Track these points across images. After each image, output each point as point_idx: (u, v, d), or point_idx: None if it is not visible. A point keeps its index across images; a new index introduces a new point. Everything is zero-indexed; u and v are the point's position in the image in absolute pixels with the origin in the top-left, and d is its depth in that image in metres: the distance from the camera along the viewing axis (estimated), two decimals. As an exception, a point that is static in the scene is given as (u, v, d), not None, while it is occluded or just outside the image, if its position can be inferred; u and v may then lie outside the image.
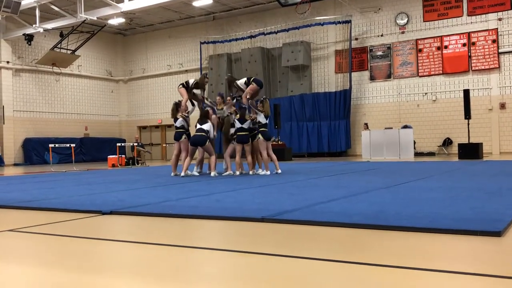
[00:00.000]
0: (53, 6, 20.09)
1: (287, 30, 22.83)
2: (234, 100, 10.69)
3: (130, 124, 28.56)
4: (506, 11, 19.17)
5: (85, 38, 22.35)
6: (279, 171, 10.19)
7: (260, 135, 10.14)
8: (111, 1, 19.55)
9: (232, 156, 10.70)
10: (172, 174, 10.49)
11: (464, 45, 19.86)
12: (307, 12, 19.54)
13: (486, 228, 3.29)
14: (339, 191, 6.18)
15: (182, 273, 2.60)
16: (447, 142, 20.07)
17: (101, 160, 23.79)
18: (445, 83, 20.28)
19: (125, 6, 19.20)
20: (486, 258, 2.75)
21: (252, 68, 23.02)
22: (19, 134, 23.21)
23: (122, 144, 19.89)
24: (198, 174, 10.49)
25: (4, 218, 4.95)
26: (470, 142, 16.54)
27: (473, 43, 19.68)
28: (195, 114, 10.93)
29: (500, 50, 19.27)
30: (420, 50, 20.70)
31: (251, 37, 23.88)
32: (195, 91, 10.69)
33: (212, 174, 10.07)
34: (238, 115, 10.13)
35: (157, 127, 28.04)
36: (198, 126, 10.04)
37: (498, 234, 3.18)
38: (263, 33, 23.55)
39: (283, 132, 21.83)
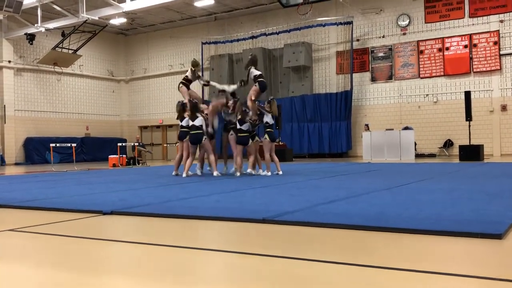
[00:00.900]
0: (55, 6, 20.13)
1: (289, 31, 22.83)
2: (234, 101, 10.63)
3: (131, 124, 28.57)
4: (508, 13, 19.16)
5: (86, 38, 22.37)
6: (280, 172, 10.19)
7: (266, 136, 10.14)
8: (112, 1, 19.57)
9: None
10: (174, 173, 10.50)
11: (465, 46, 19.85)
12: (309, 13, 19.55)
13: (487, 231, 3.29)
14: (340, 192, 6.18)
15: (183, 274, 2.60)
16: (448, 144, 20.06)
17: (102, 160, 23.80)
18: (447, 84, 20.27)
19: (127, 6, 19.22)
20: (487, 260, 2.75)
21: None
22: (20, 134, 23.23)
23: (123, 144, 19.91)
24: (200, 174, 10.48)
25: (5, 217, 4.96)
26: (471, 144, 16.53)
27: (475, 45, 19.67)
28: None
29: (501, 52, 19.26)
30: (422, 52, 20.70)
31: (252, 37, 23.88)
32: (198, 74, 10.88)
33: (215, 173, 10.06)
34: (239, 116, 10.12)
35: (158, 127, 28.05)
36: (190, 123, 10.01)
37: (499, 236, 3.18)
38: (265, 34, 23.56)
39: (284, 132, 21.82)
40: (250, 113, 10.08)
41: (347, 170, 11.62)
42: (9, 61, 22.87)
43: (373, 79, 21.73)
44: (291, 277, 2.48)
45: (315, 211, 4.47)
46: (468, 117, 16.32)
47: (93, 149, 25.37)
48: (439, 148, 20.24)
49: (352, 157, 21.56)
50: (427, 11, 20.63)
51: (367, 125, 20.54)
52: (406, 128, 19.10)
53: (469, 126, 16.72)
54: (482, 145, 16.52)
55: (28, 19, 21.35)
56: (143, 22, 25.90)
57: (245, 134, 10.05)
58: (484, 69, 19.51)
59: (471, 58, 19.78)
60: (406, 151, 18.05)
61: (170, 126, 26.60)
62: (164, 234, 3.82)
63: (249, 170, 10.16)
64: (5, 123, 22.61)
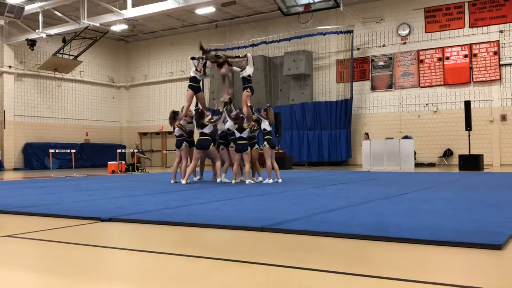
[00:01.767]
0: (56, 12, 20.19)
1: (289, 39, 22.90)
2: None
3: (131, 131, 28.58)
4: (508, 24, 19.24)
5: (87, 44, 22.43)
6: (280, 180, 10.17)
7: (265, 143, 10.14)
8: (114, 8, 19.63)
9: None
10: (172, 181, 10.47)
11: (465, 56, 19.90)
12: (309, 21, 19.61)
13: (486, 241, 3.28)
14: (340, 201, 6.16)
15: (180, 282, 2.59)
16: (448, 153, 20.06)
17: (101, 166, 23.78)
18: (446, 94, 20.31)
19: (128, 13, 19.28)
20: (486, 271, 2.73)
21: (254, 77, 22.75)
22: (19, 139, 23.23)
23: (123, 150, 19.90)
24: (197, 180, 10.47)
25: (3, 223, 4.94)
26: (470, 153, 16.53)
27: (475, 55, 19.73)
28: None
29: (501, 62, 19.31)
30: (422, 61, 20.75)
31: (253, 45, 23.95)
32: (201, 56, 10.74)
33: (218, 180, 10.06)
34: (236, 125, 10.09)
35: (157, 133, 28.06)
36: (200, 130, 10.06)
37: (498, 247, 3.17)
38: (265, 42, 23.62)
39: (283, 140, 21.82)
40: (245, 119, 10.10)
41: (347, 178, 11.60)
42: (10, 66, 22.91)
43: (373, 88, 21.77)
44: (289, 286, 2.47)
45: (314, 220, 4.45)
46: (468, 126, 16.33)
47: (93, 155, 25.36)
48: (439, 157, 20.24)
49: (351, 165, 21.55)
50: (427, 20, 20.71)
51: (367, 133, 20.55)
52: (405, 137, 19.10)
53: (469, 135, 16.72)
54: (482, 155, 16.52)
55: (30, 24, 21.41)
56: (144, 29, 25.97)
57: (244, 142, 10.04)
58: (484, 79, 19.55)
59: (471, 68, 19.83)
60: (406, 160, 18.05)
61: (170, 133, 26.57)
62: (162, 242, 3.81)
63: (248, 181, 9.93)
64: (4, 128, 22.61)
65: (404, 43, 21.15)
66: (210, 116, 10.27)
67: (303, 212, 4.98)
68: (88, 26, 20.10)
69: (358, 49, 21.96)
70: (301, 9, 18.81)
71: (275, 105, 22.95)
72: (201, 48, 10.86)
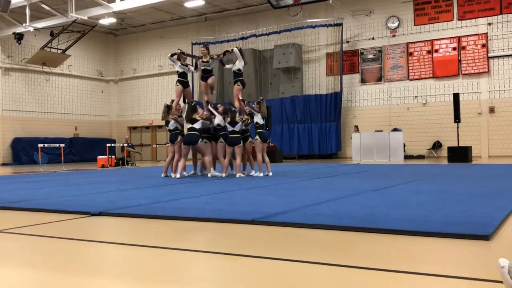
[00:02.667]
0: (43, 5, 19.96)
1: (279, 32, 22.85)
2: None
3: (120, 125, 28.43)
4: (496, 16, 19.34)
5: (75, 38, 22.23)
6: (270, 173, 10.19)
7: (257, 136, 10.14)
8: (102, 1, 19.45)
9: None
10: (163, 175, 10.45)
11: (454, 49, 20.00)
12: (299, 14, 19.57)
13: (474, 232, 3.31)
14: (329, 193, 6.19)
15: (171, 275, 2.59)
16: (437, 145, 20.19)
17: (90, 161, 23.65)
18: (435, 86, 20.41)
19: (117, 6, 19.11)
20: (474, 261, 2.77)
21: (244, 70, 22.89)
22: (8, 134, 23.02)
23: (112, 144, 19.80)
24: (187, 174, 10.45)
25: (-9, 218, 4.90)
26: (459, 145, 16.65)
27: (463, 47, 19.83)
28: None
29: (489, 55, 19.42)
30: (411, 54, 20.82)
31: (242, 38, 23.87)
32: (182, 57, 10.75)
33: (209, 174, 10.05)
34: (229, 119, 10.08)
35: (147, 127, 27.94)
36: (189, 125, 9.96)
37: (486, 238, 3.21)
38: (255, 35, 23.56)
39: (274, 134, 21.83)
40: (237, 112, 10.11)
41: (337, 171, 11.65)
42: (-3, 61, 22.66)
43: (363, 81, 21.82)
44: (279, 278, 2.48)
45: (304, 212, 4.47)
46: (457, 119, 16.44)
47: (82, 149, 25.20)
48: (428, 149, 20.36)
49: (341, 158, 21.63)
50: (417, 13, 20.76)
51: (356, 126, 20.62)
52: (395, 130, 19.18)
53: (458, 128, 16.84)
54: (470, 147, 16.65)
55: (16, 18, 21.16)
56: (133, 22, 25.79)
57: (236, 135, 10.03)
58: (473, 71, 19.66)
59: (459, 61, 19.93)
60: (395, 152, 18.14)
61: (160, 126, 26.49)
62: (152, 236, 3.80)
63: (238, 175, 9.97)
64: (-8, 123, 22.41)
65: (393, 36, 21.20)
66: (202, 112, 10.23)
67: (293, 205, 5.00)
68: (76, 20, 19.90)
69: (347, 42, 21.98)
70: (290, 1, 18.76)
71: (265, 98, 22.86)
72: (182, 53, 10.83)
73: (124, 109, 28.45)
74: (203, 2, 21.60)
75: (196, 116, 9.90)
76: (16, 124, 23.34)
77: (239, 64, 10.59)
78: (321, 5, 21.59)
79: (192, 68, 11.23)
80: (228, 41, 24.15)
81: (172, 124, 10.21)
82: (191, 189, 7.34)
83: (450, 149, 16.24)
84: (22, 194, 6.88)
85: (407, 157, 19.64)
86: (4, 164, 22.34)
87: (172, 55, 10.72)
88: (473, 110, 19.61)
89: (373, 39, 21.55)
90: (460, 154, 15.79)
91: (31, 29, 20.89)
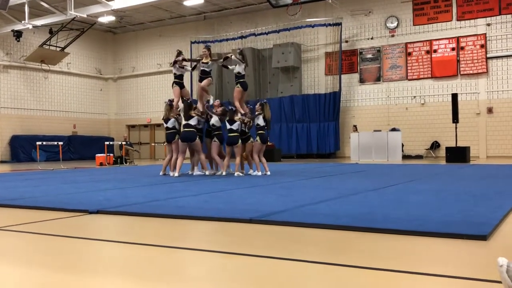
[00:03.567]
0: (42, 3, 19.92)
1: (278, 31, 22.84)
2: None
3: (119, 123, 28.40)
4: (495, 17, 19.35)
5: (74, 36, 22.19)
6: (268, 172, 10.20)
7: (258, 138, 10.15)
8: (101, -1, 19.41)
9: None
10: (161, 173, 10.45)
11: (453, 49, 20.01)
12: (298, 13, 19.58)
13: (472, 232, 3.32)
14: (328, 192, 6.19)
15: (169, 274, 2.59)
16: (435, 146, 20.21)
17: (89, 159, 23.62)
18: (434, 87, 20.42)
19: (116, 4, 19.08)
20: (472, 261, 2.77)
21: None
22: (6, 131, 22.98)
23: (111, 142, 19.78)
24: (191, 173, 10.47)
25: (-11, 216, 4.90)
26: (457, 145, 16.67)
27: (462, 48, 19.84)
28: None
29: (488, 55, 19.44)
30: (410, 54, 20.83)
31: (241, 37, 23.85)
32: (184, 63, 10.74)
33: (207, 172, 10.08)
34: (227, 117, 10.11)
35: (146, 126, 27.92)
36: (184, 122, 9.96)
37: (484, 238, 3.21)
38: (254, 34, 23.54)
39: (272, 133, 21.80)
40: (239, 113, 10.16)
41: (335, 170, 11.66)
42: (-4, 58, 22.62)
43: (362, 81, 21.83)
44: (277, 277, 2.48)
45: (302, 212, 4.47)
46: (455, 119, 16.46)
47: (80, 147, 25.17)
48: (426, 149, 20.38)
49: (340, 157, 21.64)
50: (416, 13, 20.77)
51: (355, 126, 20.63)
52: (393, 130, 19.20)
53: (456, 128, 16.85)
54: (469, 147, 16.66)
55: (15, 15, 21.10)
56: (132, 20, 25.75)
57: (235, 134, 10.04)
58: (471, 71, 19.68)
59: (458, 61, 19.94)
60: (394, 152, 18.16)
61: (158, 125, 26.45)
62: (150, 234, 3.80)
63: (236, 173, 10.03)
64: (-10, 120, 22.36)
65: (392, 35, 21.20)
66: (197, 109, 10.30)
67: (291, 204, 5.00)
68: (75, 17, 19.86)
69: (346, 41, 21.97)
70: (289, 1, 18.74)
71: (264, 97, 22.93)
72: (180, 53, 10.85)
73: (123, 107, 28.41)
74: (202, 1, 21.57)
75: (192, 113, 9.95)
76: (14, 122, 23.30)
77: (239, 68, 10.64)
78: (320, 4, 21.59)
79: (189, 68, 11.26)
80: (227, 40, 24.14)
81: (171, 122, 10.20)
82: (190, 187, 7.34)
83: (448, 149, 16.26)
84: (20, 192, 6.87)
85: (405, 157, 19.66)
86: (2, 162, 22.30)
87: (174, 63, 10.71)
88: (472, 110, 19.63)
89: (372, 39, 21.55)
90: (458, 154, 15.80)
91: (30, 26, 20.83)
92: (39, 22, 21.01)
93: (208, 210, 4.73)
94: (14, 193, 6.65)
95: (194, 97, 21.81)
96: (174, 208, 4.91)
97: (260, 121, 10.17)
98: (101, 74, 27.99)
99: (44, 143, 17.68)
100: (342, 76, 21.82)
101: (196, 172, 10.35)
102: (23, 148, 22.87)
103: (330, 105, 21.67)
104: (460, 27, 19.91)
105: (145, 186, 7.80)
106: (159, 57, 26.96)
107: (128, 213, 4.64)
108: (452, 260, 2.82)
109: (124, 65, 28.29)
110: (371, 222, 3.79)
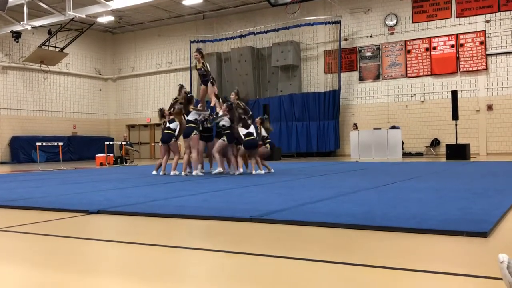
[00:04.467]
0: (41, 3, 19.90)
1: (277, 30, 22.83)
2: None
3: (119, 123, 28.40)
4: (494, 14, 19.34)
5: (73, 36, 22.17)
6: (263, 171, 10.22)
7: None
8: (100, -1, 19.39)
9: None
10: (161, 173, 10.46)
11: (452, 46, 20.00)
12: (297, 12, 19.57)
13: (472, 229, 3.31)
14: (328, 191, 6.19)
15: (170, 273, 2.59)
16: (435, 143, 20.21)
17: (89, 159, 23.63)
18: (433, 84, 20.42)
19: (115, 4, 19.06)
20: (473, 258, 2.77)
21: (242, 68, 23.02)
22: (6, 132, 22.98)
23: (111, 143, 19.78)
24: (188, 173, 10.45)
25: (-11, 217, 4.89)
26: (457, 143, 16.67)
27: (461, 45, 19.84)
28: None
29: (487, 52, 19.43)
30: (409, 51, 20.82)
31: (241, 36, 23.85)
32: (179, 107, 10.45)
33: (194, 172, 10.00)
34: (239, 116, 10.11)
35: (145, 126, 27.92)
36: (167, 124, 10.21)
37: (484, 234, 3.21)
38: (253, 33, 23.53)
39: (272, 131, 21.78)
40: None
41: (335, 169, 11.65)
42: (-5, 59, 22.61)
43: (361, 79, 21.82)
44: (278, 276, 2.48)
45: (302, 210, 4.47)
46: (455, 116, 16.46)
47: (80, 148, 25.17)
48: (426, 147, 20.38)
49: (340, 156, 21.64)
50: (415, 11, 20.76)
51: (355, 124, 20.63)
52: (393, 127, 19.21)
53: (456, 125, 16.86)
54: (469, 144, 16.66)
55: (14, 16, 21.08)
56: (131, 20, 25.73)
57: (253, 138, 9.91)
58: (471, 68, 19.68)
59: (457, 58, 19.94)
60: (394, 150, 18.16)
61: (158, 125, 26.42)
62: (150, 234, 3.80)
63: (235, 172, 10.04)
64: (-10, 121, 22.36)
65: (392, 33, 21.19)
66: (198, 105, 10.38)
67: (292, 203, 5.00)
68: (74, 18, 19.84)
69: (345, 39, 21.97)
70: (288, -1, 18.75)
71: (263, 96, 22.95)
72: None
73: (122, 107, 28.41)
74: (201, 0, 21.55)
75: (190, 108, 10.00)
76: (14, 123, 23.30)
77: (224, 122, 10.28)
78: (319, 2, 21.59)
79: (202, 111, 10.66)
80: (226, 39, 24.14)
81: (175, 124, 10.25)
82: (189, 187, 7.34)
83: (448, 146, 16.26)
84: (20, 193, 6.87)
85: (405, 154, 19.65)
86: (2, 163, 22.30)
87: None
88: (471, 107, 19.63)
89: (371, 36, 21.54)
90: (458, 152, 15.80)
91: (29, 27, 20.81)
92: (38, 22, 20.99)
93: (208, 209, 4.73)
94: (15, 194, 6.65)
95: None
96: (174, 207, 4.90)
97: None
98: (100, 74, 27.99)
99: (44, 143, 17.68)
100: (342, 74, 21.82)
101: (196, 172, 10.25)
102: (23, 149, 22.88)
103: (330, 104, 21.66)
104: (460, 24, 19.89)
105: (145, 186, 7.80)
106: (158, 57, 26.96)
107: (128, 213, 4.64)
108: (452, 257, 2.82)
109: (124, 65, 28.29)
110: (371, 220, 3.79)
